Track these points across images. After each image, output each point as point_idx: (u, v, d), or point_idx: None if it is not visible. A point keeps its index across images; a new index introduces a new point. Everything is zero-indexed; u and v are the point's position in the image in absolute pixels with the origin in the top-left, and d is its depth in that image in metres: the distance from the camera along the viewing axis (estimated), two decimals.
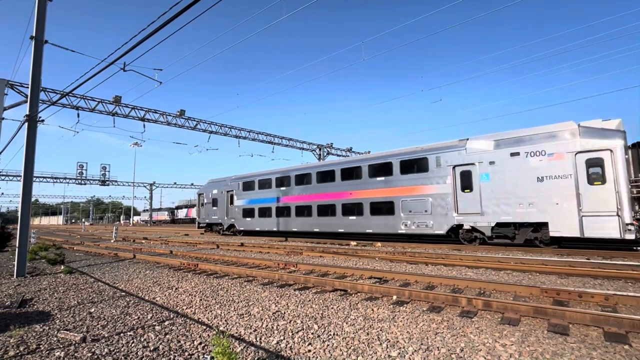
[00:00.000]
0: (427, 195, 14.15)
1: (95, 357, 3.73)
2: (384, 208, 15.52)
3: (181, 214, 75.03)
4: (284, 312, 5.36)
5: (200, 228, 28.21)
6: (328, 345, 3.99)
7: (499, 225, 12.36)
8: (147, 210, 76.69)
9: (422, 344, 3.93)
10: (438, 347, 3.81)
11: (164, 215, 78.68)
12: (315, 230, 18.51)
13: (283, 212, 20.30)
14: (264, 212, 21.38)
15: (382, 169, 15.85)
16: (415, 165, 14.77)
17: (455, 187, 13.46)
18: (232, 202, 23.70)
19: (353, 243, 15.82)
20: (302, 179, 19.54)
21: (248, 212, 22.50)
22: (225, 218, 24.11)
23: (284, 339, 4.23)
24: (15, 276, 8.98)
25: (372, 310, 5.34)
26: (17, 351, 3.94)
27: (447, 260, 9.72)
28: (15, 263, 9.11)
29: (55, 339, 4.33)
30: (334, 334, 4.33)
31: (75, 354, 3.81)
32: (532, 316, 4.67)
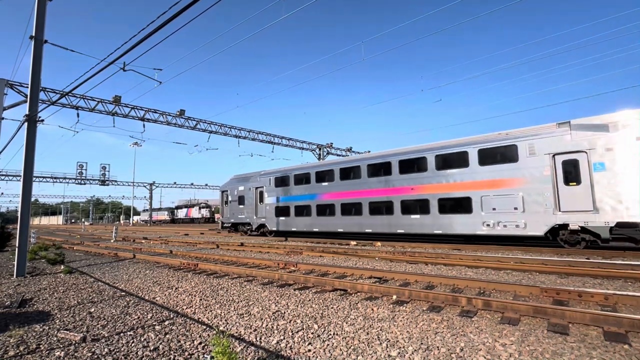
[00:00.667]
0: (517, 189, 11.93)
1: (96, 356, 3.73)
2: (457, 205, 13.40)
3: (181, 213, 75.04)
4: (284, 312, 5.36)
5: (224, 229, 25.75)
6: (328, 344, 3.99)
7: (620, 225, 10.29)
8: (146, 210, 76.68)
9: (422, 343, 3.93)
10: (438, 347, 3.81)
11: (164, 215, 78.66)
12: (366, 230, 16.14)
13: (325, 210, 17.95)
14: (302, 211, 19.09)
15: (454, 160, 13.63)
16: (498, 155, 12.52)
17: (555, 180, 11.34)
18: (261, 200, 21.46)
19: (353, 243, 15.81)
20: (349, 173, 17.21)
21: (282, 211, 20.18)
22: (255, 217, 21.79)
23: (284, 338, 4.23)
24: (15, 276, 8.98)
25: (372, 309, 5.34)
26: (17, 351, 3.94)
27: (447, 260, 9.72)
28: (15, 263, 9.11)
29: (55, 338, 4.33)
30: (334, 334, 4.33)
31: (75, 354, 3.81)
32: (532, 316, 4.67)
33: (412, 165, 14.97)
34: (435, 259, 9.91)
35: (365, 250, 12.88)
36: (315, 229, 18.37)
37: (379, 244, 15.04)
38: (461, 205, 13.34)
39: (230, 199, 23.84)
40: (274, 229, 20.63)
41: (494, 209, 12.49)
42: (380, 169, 16.04)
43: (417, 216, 14.50)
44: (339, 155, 40.21)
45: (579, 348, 3.68)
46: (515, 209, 11.95)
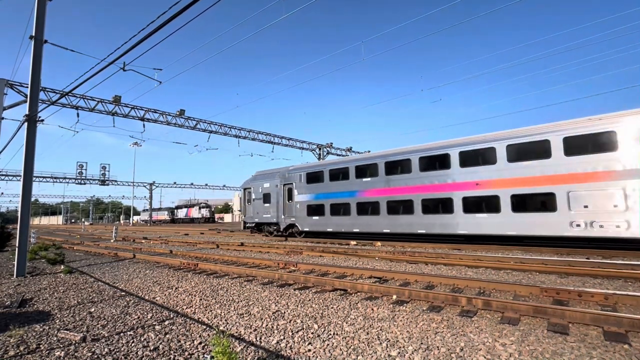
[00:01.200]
0: (617, 183, 10.12)
1: (96, 356, 3.73)
2: (536, 202, 11.59)
3: (181, 213, 75.09)
4: (284, 312, 5.36)
5: (246, 229, 23.41)
6: (328, 344, 3.99)
7: None
8: (146, 210, 76.69)
9: (422, 343, 3.93)
10: (438, 347, 3.81)
11: (164, 215, 78.70)
12: (420, 231, 14.16)
13: (367, 208, 15.98)
14: (339, 209, 17.14)
15: (531, 151, 11.78)
16: (590, 144, 10.74)
17: None
18: (290, 198, 19.52)
19: (353, 242, 15.82)
20: (397, 166, 15.20)
21: (315, 209, 18.21)
22: (283, 217, 19.80)
23: (284, 338, 4.24)
24: (15, 276, 8.98)
25: (372, 309, 5.34)
26: (17, 351, 3.94)
27: (447, 259, 9.72)
28: (15, 263, 9.11)
29: (55, 338, 4.33)
30: (334, 334, 4.33)
31: (76, 354, 3.81)
32: (532, 315, 4.67)
33: (477, 157, 12.99)
34: (435, 258, 9.91)
35: (365, 250, 12.88)
36: (355, 230, 16.34)
37: (379, 243, 15.03)
38: (542, 202, 11.47)
39: (253, 196, 21.73)
40: (306, 229, 18.66)
41: (585, 206, 10.64)
42: (435, 161, 14.03)
43: (484, 215, 12.55)
44: (339, 155, 40.19)
45: (579, 348, 3.68)
46: (616, 206, 10.12)
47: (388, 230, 15.24)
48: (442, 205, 13.71)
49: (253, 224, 22.16)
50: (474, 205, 12.86)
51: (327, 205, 17.69)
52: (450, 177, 13.55)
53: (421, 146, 14.89)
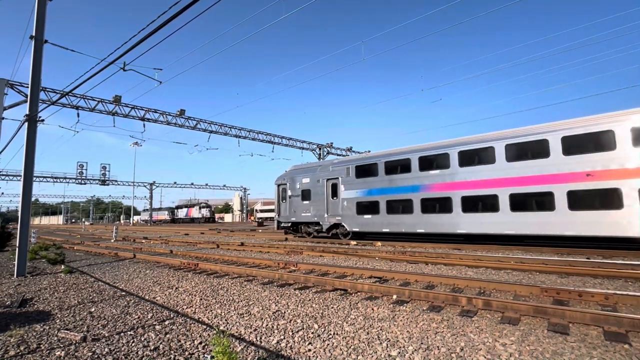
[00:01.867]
0: None
1: (96, 356, 3.73)
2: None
3: (181, 213, 75.16)
4: (284, 312, 5.36)
5: (280, 229, 20.98)
6: (328, 344, 3.99)
7: None
8: (147, 210, 76.72)
9: (422, 343, 3.93)
10: (438, 347, 3.81)
11: (164, 215, 78.78)
12: (508, 232, 11.96)
13: (435, 205, 13.90)
14: (397, 207, 15.00)
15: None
16: None
17: None
18: (335, 194, 17.46)
19: (353, 242, 15.82)
20: (474, 156, 13.05)
21: (367, 207, 16.08)
22: (326, 215, 17.68)
23: (284, 338, 4.24)
24: (15, 276, 8.99)
25: (372, 309, 5.34)
26: (18, 351, 3.94)
27: (447, 259, 9.72)
28: (16, 263, 9.11)
29: (55, 338, 4.33)
30: (334, 334, 4.33)
31: (76, 354, 3.81)
32: (532, 315, 4.67)
33: (586, 142, 10.91)
34: (435, 258, 9.91)
35: (365, 250, 12.88)
36: (420, 230, 14.18)
37: (379, 243, 15.03)
38: None
39: (290, 193, 19.65)
40: (355, 229, 16.53)
41: None
42: (527, 150, 11.93)
43: (598, 212, 10.36)
44: (340, 155, 40.13)
45: (579, 348, 3.68)
46: None
47: (464, 231, 12.96)
48: (537, 201, 11.56)
49: (289, 224, 19.91)
50: (581, 200, 10.68)
51: (383, 202, 15.41)
52: (550, 167, 11.31)
53: (507, 132, 12.71)
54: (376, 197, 15.80)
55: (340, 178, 17.44)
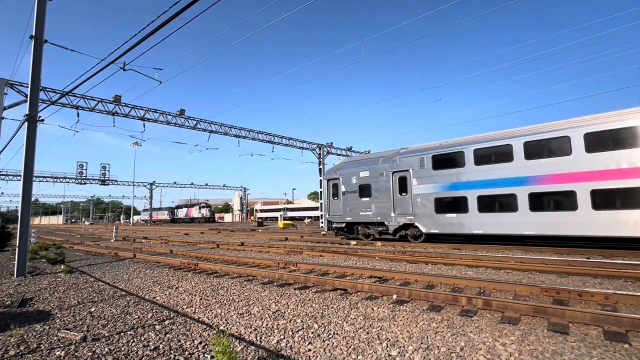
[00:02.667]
0: None
1: (96, 356, 3.73)
2: None
3: (181, 213, 75.18)
4: (284, 312, 5.36)
5: (332, 230, 18.41)
6: (328, 344, 3.99)
7: None
8: (147, 209, 76.74)
9: (422, 343, 3.93)
10: (438, 346, 3.81)
11: (164, 215, 78.82)
12: None
13: (549, 202, 11.35)
14: (493, 204, 12.39)
15: None
16: None
17: None
18: (403, 190, 14.93)
19: (353, 242, 15.82)
20: (607, 140, 10.37)
21: (449, 204, 13.50)
22: (392, 214, 15.06)
23: (284, 338, 4.24)
24: (15, 276, 8.99)
25: (372, 309, 5.34)
26: (18, 350, 3.94)
27: (447, 259, 9.72)
28: (16, 262, 9.11)
29: (55, 338, 4.34)
30: (334, 333, 4.33)
31: (76, 354, 3.81)
32: (532, 315, 4.67)
33: None
34: (435, 258, 9.91)
35: (365, 249, 12.88)
36: (527, 232, 11.48)
37: (379, 243, 15.04)
38: None
39: (343, 189, 17.12)
40: (434, 231, 13.86)
41: None
42: None
43: None
44: (340, 155, 40.13)
45: (579, 347, 3.68)
46: None
47: (595, 233, 10.29)
48: None
49: (342, 225, 17.25)
50: None
51: (472, 198, 12.82)
52: None
53: None
54: (462, 192, 13.15)
55: (411, 170, 14.70)
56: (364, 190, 16.35)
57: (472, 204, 12.87)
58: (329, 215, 18.05)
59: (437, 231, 13.81)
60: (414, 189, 14.59)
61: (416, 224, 14.39)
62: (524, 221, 11.50)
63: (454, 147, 13.70)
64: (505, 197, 12.13)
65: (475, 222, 12.72)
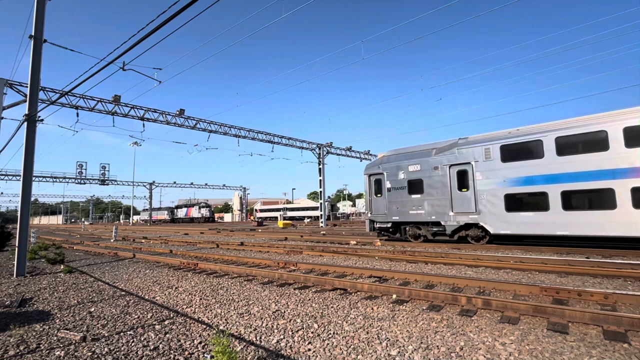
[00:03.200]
0: None
1: (96, 356, 3.73)
2: None
3: (181, 213, 75.14)
4: (284, 311, 5.36)
5: (374, 231, 16.08)
6: (328, 344, 3.99)
7: None
8: (146, 209, 76.73)
9: (421, 342, 3.94)
10: (438, 346, 3.82)
11: (164, 215, 78.77)
12: None
13: None
14: (581, 200, 10.82)
15: None
16: None
17: None
18: (463, 186, 13.16)
19: (353, 242, 15.82)
20: None
21: (524, 202, 11.86)
22: (451, 213, 13.34)
23: (284, 337, 4.24)
24: (15, 275, 8.99)
25: (372, 309, 5.34)
26: (17, 350, 3.94)
27: (446, 259, 9.73)
28: (15, 262, 9.11)
29: (55, 338, 4.33)
30: (333, 333, 4.34)
31: (76, 353, 3.81)
32: (531, 315, 4.68)
33: None
34: (435, 258, 9.92)
35: (365, 249, 12.88)
36: (633, 234, 9.73)
37: (379, 243, 15.04)
38: None
39: (389, 185, 15.33)
40: (505, 231, 12.08)
41: None
42: None
43: None
44: (340, 155, 40.13)
45: (579, 347, 3.68)
46: None
47: None
48: None
49: (388, 225, 15.34)
50: None
51: (554, 194, 11.10)
52: None
53: None
54: (541, 187, 11.41)
55: (473, 163, 12.98)
56: (415, 186, 14.54)
57: (554, 200, 11.10)
58: (370, 214, 16.05)
59: (508, 232, 12.09)
60: (477, 184, 12.81)
61: (481, 223, 12.59)
62: (627, 221, 9.69)
63: (529, 135, 11.94)
64: (599, 193, 10.34)
65: (559, 221, 10.95)
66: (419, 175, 14.44)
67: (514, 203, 12.04)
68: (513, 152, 12.20)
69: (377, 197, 15.88)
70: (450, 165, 13.56)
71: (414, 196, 14.50)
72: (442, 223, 13.60)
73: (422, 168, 14.37)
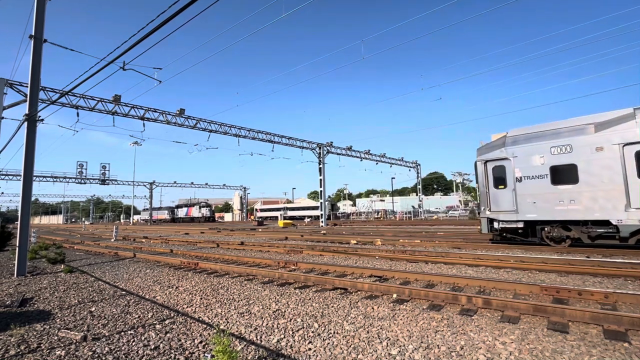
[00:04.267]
0: None
1: (96, 356, 3.73)
2: None
3: (181, 213, 75.23)
4: (285, 311, 5.37)
5: (493, 231, 12.40)
6: (328, 343, 4.00)
7: None
8: (147, 209, 76.77)
9: (422, 342, 3.94)
10: (438, 345, 3.82)
11: (164, 215, 78.85)
12: None
13: None
14: None
15: None
16: None
17: None
18: None
19: (353, 242, 15.83)
20: None
21: None
22: (630, 209, 9.62)
23: (285, 337, 4.24)
24: (15, 275, 8.99)
25: (373, 308, 5.35)
26: (18, 350, 3.94)
27: (447, 258, 9.73)
28: (16, 262, 9.12)
29: (56, 337, 4.34)
30: (334, 333, 4.34)
31: (76, 353, 3.82)
32: (532, 314, 4.68)
33: None
34: (435, 257, 9.92)
35: (365, 249, 12.88)
36: None
37: (379, 242, 15.05)
38: None
39: (519, 174, 11.70)
40: None
41: None
42: None
43: None
44: (340, 155, 40.14)
45: (579, 346, 3.68)
46: None
47: None
48: None
49: (518, 224, 11.67)
50: None
51: None
52: None
53: None
54: None
55: None
56: (563, 173, 11.01)
57: None
58: (489, 211, 12.33)
59: None
60: None
61: None
62: None
63: None
64: None
65: None
66: (570, 159, 10.85)
67: None
68: None
69: (499, 189, 12.25)
70: (625, 145, 9.92)
71: (561, 187, 10.94)
72: (614, 222, 9.98)
73: (575, 149, 10.76)
